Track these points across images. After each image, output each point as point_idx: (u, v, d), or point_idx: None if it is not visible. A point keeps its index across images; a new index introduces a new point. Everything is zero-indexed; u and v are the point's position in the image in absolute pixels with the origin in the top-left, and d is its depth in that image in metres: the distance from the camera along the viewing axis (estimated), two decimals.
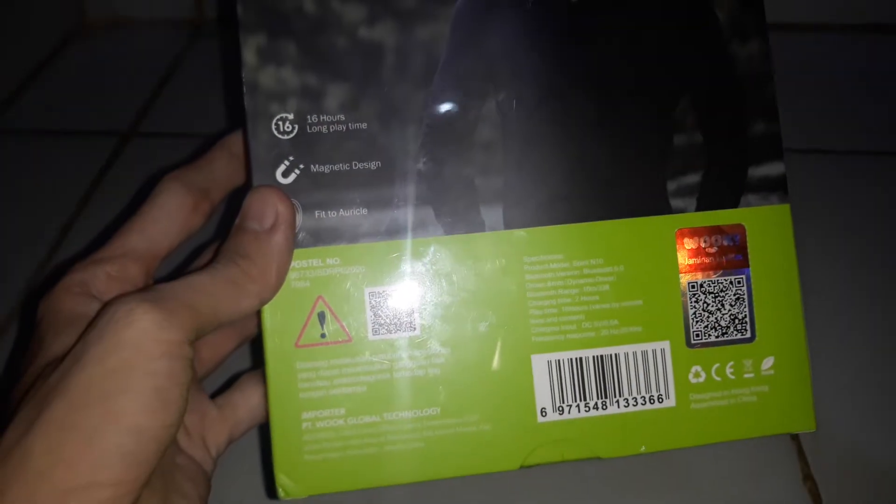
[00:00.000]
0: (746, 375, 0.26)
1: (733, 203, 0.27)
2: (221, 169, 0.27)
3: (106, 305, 0.21)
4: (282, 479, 0.25)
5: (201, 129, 0.54)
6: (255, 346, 0.27)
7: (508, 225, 0.26)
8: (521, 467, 0.26)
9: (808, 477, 0.34)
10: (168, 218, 0.25)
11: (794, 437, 0.35)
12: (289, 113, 0.25)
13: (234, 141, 0.28)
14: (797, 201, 0.29)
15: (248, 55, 0.26)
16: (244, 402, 0.27)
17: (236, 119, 0.55)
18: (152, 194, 0.26)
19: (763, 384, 0.27)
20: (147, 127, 0.54)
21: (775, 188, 0.27)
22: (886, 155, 0.51)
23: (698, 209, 0.26)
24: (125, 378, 0.20)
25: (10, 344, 0.39)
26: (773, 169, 0.27)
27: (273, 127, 0.25)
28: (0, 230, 0.46)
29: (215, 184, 0.27)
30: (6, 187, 0.49)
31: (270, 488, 0.32)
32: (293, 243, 0.24)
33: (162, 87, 0.58)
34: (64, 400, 0.20)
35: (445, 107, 0.26)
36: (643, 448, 0.26)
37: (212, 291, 0.22)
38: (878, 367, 0.38)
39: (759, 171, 0.27)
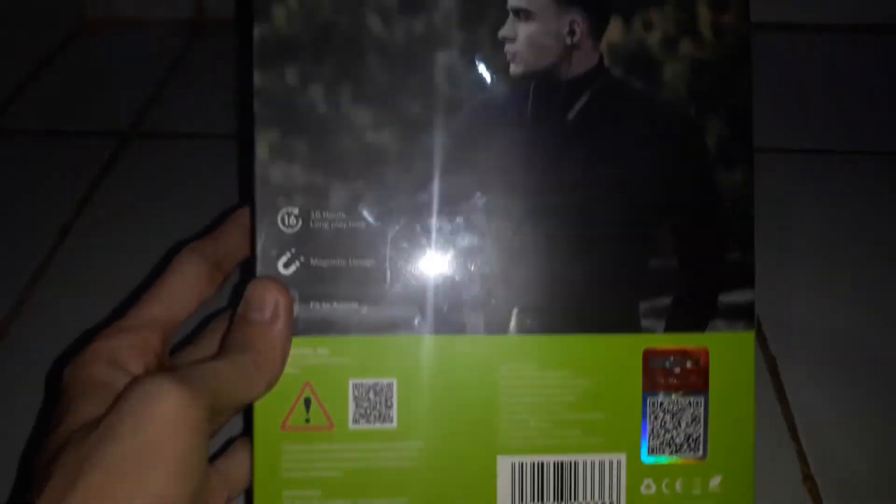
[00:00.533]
0: (694, 492, 0.28)
1: (700, 327, 0.28)
2: (233, 242, 0.29)
3: (137, 381, 0.23)
4: None
5: (201, 129, 0.54)
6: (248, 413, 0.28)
7: (489, 330, 0.27)
8: None
9: (808, 477, 0.34)
10: (186, 288, 0.27)
11: (795, 437, 0.35)
12: (294, 207, 0.27)
13: (243, 215, 0.30)
14: (796, 201, 0.29)
15: (261, 149, 0.27)
16: (239, 466, 0.28)
17: (243, 122, 0.55)
18: (171, 265, 0.28)
19: (709, 500, 0.28)
20: (147, 127, 0.54)
21: (742, 315, 0.28)
22: (886, 155, 0.51)
23: (666, 330, 0.27)
24: (156, 450, 0.22)
25: (10, 344, 0.39)
26: (742, 296, 0.28)
27: (279, 220, 0.27)
28: (0, 230, 0.46)
29: (227, 256, 0.29)
30: (6, 187, 0.49)
31: None
32: (292, 332, 0.26)
33: (162, 87, 0.58)
34: (100, 469, 0.21)
35: (438, 212, 0.27)
36: None
37: (228, 379, 0.24)
38: (879, 365, 0.38)
39: (729, 298, 0.28)
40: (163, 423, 0.22)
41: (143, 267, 0.43)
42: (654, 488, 0.28)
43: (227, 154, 0.52)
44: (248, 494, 0.28)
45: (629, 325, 0.27)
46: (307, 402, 0.27)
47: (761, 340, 0.39)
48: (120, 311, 0.27)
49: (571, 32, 0.27)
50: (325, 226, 0.27)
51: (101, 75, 0.60)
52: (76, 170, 0.50)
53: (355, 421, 0.27)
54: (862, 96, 0.56)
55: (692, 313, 0.28)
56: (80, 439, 0.23)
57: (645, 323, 0.27)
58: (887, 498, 0.33)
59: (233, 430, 0.34)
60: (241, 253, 0.29)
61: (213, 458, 0.29)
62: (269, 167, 0.27)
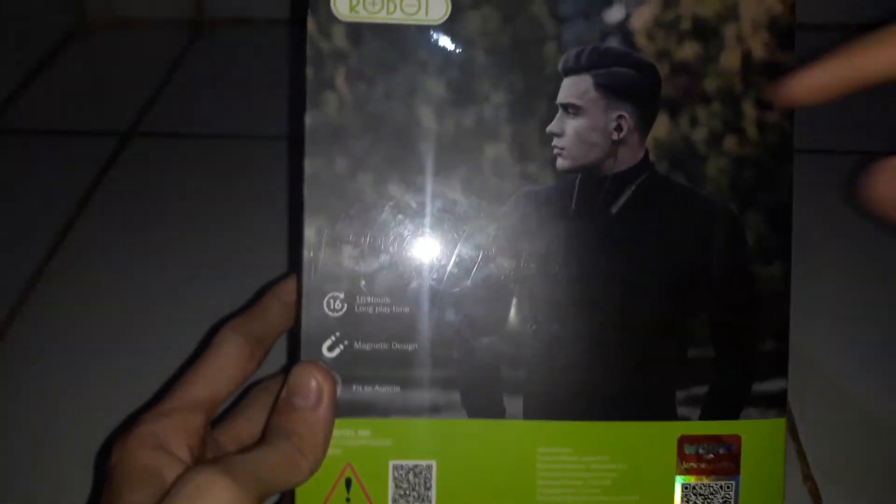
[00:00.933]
0: None
1: (734, 415, 0.28)
2: (274, 317, 0.30)
3: (188, 473, 0.24)
4: None
5: (201, 129, 0.54)
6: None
7: (527, 415, 0.28)
8: None
9: (808, 477, 0.34)
10: (228, 367, 0.28)
11: (795, 437, 0.35)
12: (340, 292, 0.27)
13: (285, 290, 0.30)
14: (796, 201, 0.29)
15: (310, 235, 0.27)
16: None
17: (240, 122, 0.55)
18: (213, 344, 0.28)
19: None
20: (147, 127, 0.54)
21: (775, 403, 0.28)
22: (886, 155, 0.51)
23: (701, 418, 0.28)
24: None
25: (10, 345, 0.39)
26: (775, 385, 0.28)
27: (325, 304, 0.27)
28: (0, 230, 0.46)
29: (269, 332, 0.29)
30: (6, 187, 0.49)
31: None
32: (335, 416, 0.27)
33: (162, 87, 0.58)
34: None
35: (480, 302, 0.28)
36: None
37: (272, 466, 0.25)
38: (879, 364, 0.38)
39: (762, 387, 0.28)
40: None
41: (143, 267, 0.43)
42: None
43: (227, 154, 0.52)
44: None
45: (666, 413, 0.28)
46: (348, 483, 0.27)
47: None
48: (163, 391, 0.27)
49: (618, 128, 0.28)
50: (370, 310, 0.27)
51: (101, 75, 0.60)
52: (76, 170, 0.50)
53: (395, 502, 0.27)
54: (862, 96, 0.55)
55: (727, 402, 0.28)
56: None
57: (681, 411, 0.28)
58: (887, 498, 0.33)
59: None
60: (281, 327, 0.30)
61: None
62: (318, 252, 0.27)
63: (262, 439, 0.26)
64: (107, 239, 0.45)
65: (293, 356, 0.28)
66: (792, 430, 0.35)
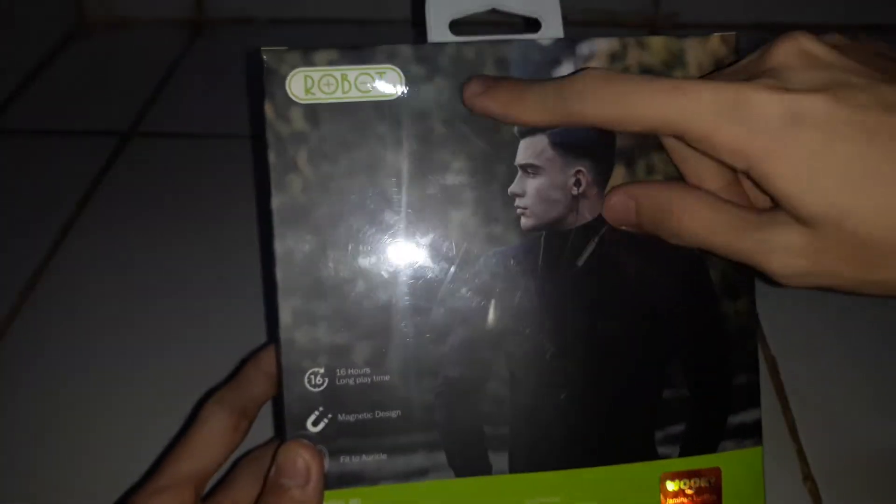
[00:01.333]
0: None
1: (712, 449, 0.29)
2: (256, 388, 0.30)
3: None
4: None
5: (201, 129, 0.54)
6: None
7: (514, 469, 0.28)
8: None
9: (808, 477, 0.34)
10: (215, 441, 0.28)
11: (795, 437, 0.35)
12: (320, 367, 0.28)
13: (266, 360, 0.31)
14: None
15: (285, 315, 0.28)
16: None
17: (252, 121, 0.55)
18: (199, 419, 0.29)
19: None
20: (147, 127, 0.54)
21: (751, 433, 0.29)
22: None
23: (681, 455, 0.29)
24: None
25: (10, 345, 0.39)
26: (750, 416, 0.29)
27: (305, 380, 0.28)
28: (0, 230, 0.46)
29: (252, 403, 0.30)
30: (6, 187, 0.49)
31: None
32: (323, 492, 0.27)
33: (162, 87, 0.58)
34: None
35: (458, 364, 0.28)
36: None
37: None
38: (881, 361, 0.38)
39: (737, 419, 0.29)
40: None
41: (142, 267, 0.43)
42: None
43: (227, 154, 0.52)
44: None
45: (647, 453, 0.29)
46: None
47: (761, 340, 0.39)
48: (153, 468, 0.28)
49: (577, 184, 0.28)
50: (351, 382, 0.28)
51: (101, 75, 0.60)
52: (76, 170, 0.50)
53: None
54: None
55: (704, 438, 0.29)
56: None
57: (661, 450, 0.29)
58: (887, 498, 0.33)
59: None
60: (264, 397, 0.31)
61: None
62: (294, 331, 0.28)
63: None
64: (107, 239, 0.45)
65: (279, 424, 0.29)
66: (792, 431, 0.35)
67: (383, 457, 0.28)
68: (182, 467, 0.28)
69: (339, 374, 0.28)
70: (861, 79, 0.23)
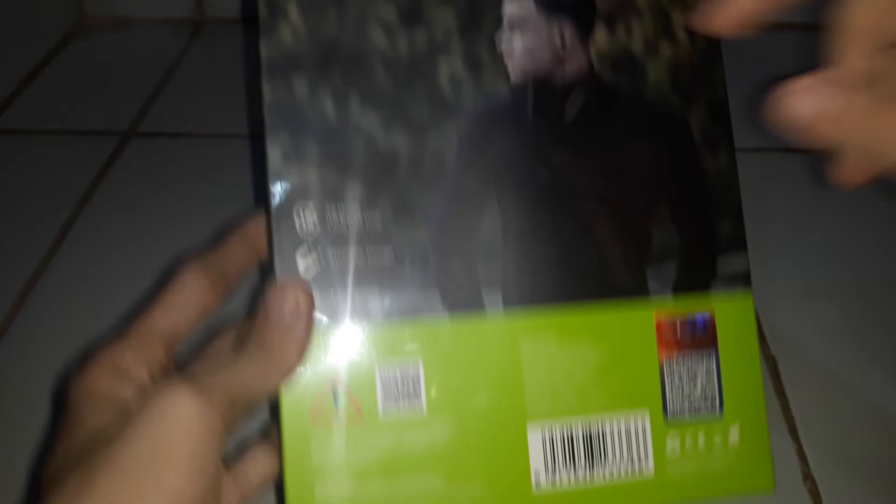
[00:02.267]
0: (716, 445, 0.29)
1: (704, 289, 0.30)
2: (238, 254, 0.29)
3: (154, 388, 0.24)
4: None
5: (201, 129, 0.54)
6: (273, 418, 0.28)
7: (507, 304, 0.29)
8: None
9: (808, 477, 0.34)
10: (189, 300, 0.27)
11: (795, 437, 0.35)
12: (310, 204, 0.28)
13: (251, 226, 0.30)
14: (798, 201, 0.29)
15: (273, 154, 0.28)
16: (256, 470, 0.29)
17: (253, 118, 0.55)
18: (174, 278, 0.28)
19: (730, 453, 0.29)
20: (147, 127, 0.54)
21: (740, 278, 0.30)
22: None
23: (673, 293, 0.30)
24: (170, 452, 0.22)
25: (10, 344, 0.39)
26: (738, 262, 0.30)
27: (295, 218, 0.28)
28: (0, 230, 0.46)
29: (232, 268, 0.29)
30: (6, 187, 0.49)
31: None
32: (313, 330, 0.26)
33: (162, 87, 0.58)
34: (113, 472, 0.22)
35: (452, 204, 0.29)
36: None
37: (243, 377, 0.25)
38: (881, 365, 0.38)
39: (726, 263, 0.30)
40: (177, 426, 0.23)
41: (142, 267, 0.43)
42: (678, 446, 0.29)
43: (227, 154, 0.52)
44: (279, 491, 0.28)
45: (639, 290, 0.29)
46: (335, 392, 0.27)
47: (761, 341, 0.39)
48: (122, 323, 0.27)
49: (561, 39, 0.30)
50: (342, 219, 0.28)
51: (101, 75, 0.60)
52: (76, 170, 0.50)
53: (384, 407, 0.27)
54: None
55: (695, 275, 0.30)
56: (90, 448, 0.23)
57: (653, 286, 0.29)
58: (887, 498, 0.33)
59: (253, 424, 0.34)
60: (246, 264, 0.30)
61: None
62: (282, 170, 0.28)
63: (236, 350, 0.26)
64: (107, 239, 0.45)
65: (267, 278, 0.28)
66: (792, 430, 0.35)
67: (376, 293, 0.28)
68: (152, 323, 0.27)
69: (329, 211, 0.28)
70: None
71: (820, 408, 0.36)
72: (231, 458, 0.28)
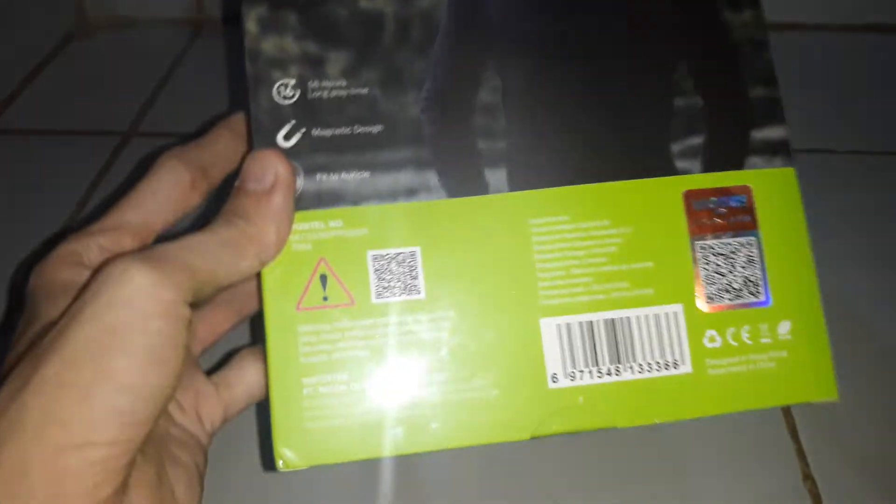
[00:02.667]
0: (763, 340, 0.26)
1: (738, 164, 0.27)
2: (222, 148, 0.27)
3: (102, 265, 0.21)
4: (281, 448, 0.24)
5: (201, 129, 0.54)
6: (254, 322, 0.27)
7: (513, 187, 0.26)
8: (532, 437, 0.25)
9: (808, 477, 0.34)
10: (164, 193, 0.25)
11: (794, 437, 0.35)
12: (290, 78, 0.26)
13: (237, 121, 0.28)
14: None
15: (250, 24, 0.26)
16: (240, 379, 0.27)
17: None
18: (150, 170, 0.26)
19: (781, 349, 0.26)
20: (147, 127, 0.54)
21: (778, 151, 0.27)
22: (887, 155, 0.51)
23: (704, 170, 0.26)
24: (120, 336, 0.20)
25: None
26: (774, 132, 0.27)
27: (275, 92, 0.25)
28: (0, 230, 0.46)
29: (215, 162, 0.27)
30: (6, 187, 0.49)
31: (268, 461, 0.32)
32: (293, 205, 0.24)
33: (162, 87, 0.58)
34: (58, 358, 0.19)
35: (445, 72, 0.26)
36: (657, 419, 0.25)
37: (209, 252, 0.22)
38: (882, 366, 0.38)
39: (761, 134, 0.27)
40: (128, 306, 0.20)
41: None
42: (719, 340, 0.26)
43: None
44: (260, 403, 0.26)
45: (664, 167, 0.26)
46: (323, 279, 0.25)
47: None
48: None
49: None
50: (325, 94, 0.26)
51: (101, 75, 0.60)
52: (76, 170, 0.50)
53: (378, 294, 0.25)
54: (862, 96, 0.55)
55: (726, 150, 0.27)
56: (41, 336, 0.21)
57: (680, 164, 0.26)
58: (887, 498, 0.33)
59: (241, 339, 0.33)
60: (231, 160, 0.27)
61: (210, 374, 0.28)
62: (260, 41, 0.26)
63: (203, 228, 0.23)
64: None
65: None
66: (792, 431, 0.35)
67: (366, 174, 0.26)
68: (124, 214, 0.25)
69: (311, 86, 0.26)
70: None
71: (820, 408, 0.36)
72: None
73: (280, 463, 0.24)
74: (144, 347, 0.20)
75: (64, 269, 0.23)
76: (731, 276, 0.26)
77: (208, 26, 0.66)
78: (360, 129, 0.26)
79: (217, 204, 0.25)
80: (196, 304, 0.22)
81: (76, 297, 0.21)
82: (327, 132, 0.26)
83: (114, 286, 0.20)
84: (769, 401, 0.25)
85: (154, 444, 0.22)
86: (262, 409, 0.26)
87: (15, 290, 0.31)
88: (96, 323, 0.20)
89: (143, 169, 0.26)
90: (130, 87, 0.58)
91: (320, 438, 0.24)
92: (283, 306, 0.25)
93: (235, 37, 0.65)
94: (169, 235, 0.24)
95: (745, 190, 0.26)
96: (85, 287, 0.21)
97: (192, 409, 0.26)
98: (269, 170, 0.24)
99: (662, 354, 0.25)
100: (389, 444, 0.25)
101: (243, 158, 0.25)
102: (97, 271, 0.21)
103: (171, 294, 0.20)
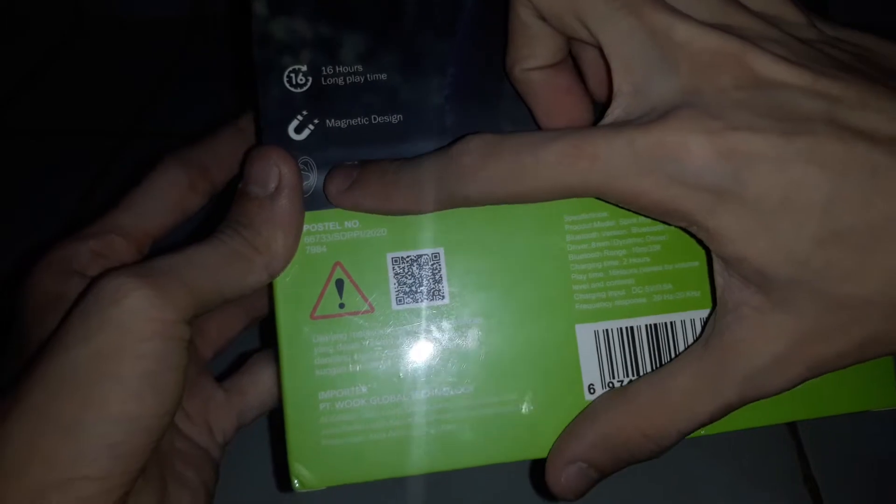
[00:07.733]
0: None
1: None
2: (226, 146, 0.25)
3: (93, 281, 0.19)
4: (297, 468, 0.22)
5: (201, 129, 0.54)
6: (266, 324, 0.25)
7: None
8: None
9: (808, 477, 0.34)
10: (160, 195, 0.24)
11: (795, 437, 0.35)
12: (302, 65, 0.23)
13: (244, 120, 0.26)
14: None
15: (259, 6, 0.23)
16: (253, 385, 0.25)
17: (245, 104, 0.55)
18: (149, 174, 0.24)
19: None
20: (147, 127, 0.54)
21: None
22: None
23: None
24: (111, 361, 0.18)
25: None
26: None
27: (285, 80, 0.23)
28: (0, 230, 0.46)
29: (217, 162, 0.25)
30: (6, 187, 0.49)
31: (283, 480, 0.31)
32: (301, 208, 0.22)
33: (162, 87, 0.58)
34: (42, 387, 0.18)
35: (472, 56, 0.24)
36: (703, 431, 0.22)
37: (213, 265, 0.20)
38: None
39: None
40: (120, 328, 0.18)
41: None
42: None
43: None
44: (274, 414, 0.24)
45: None
46: (339, 285, 0.23)
47: None
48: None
49: None
50: (340, 81, 0.24)
51: (101, 75, 0.60)
52: (76, 169, 0.50)
53: (399, 300, 0.23)
54: None
55: None
56: (27, 361, 0.19)
57: None
58: (887, 498, 0.33)
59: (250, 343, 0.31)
60: (232, 158, 0.25)
61: (222, 379, 0.27)
62: (269, 23, 0.23)
63: (206, 238, 0.21)
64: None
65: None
66: (792, 431, 0.35)
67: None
68: (118, 217, 0.23)
69: (324, 72, 0.23)
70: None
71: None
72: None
73: (296, 483, 0.22)
74: (138, 373, 0.18)
75: (52, 278, 0.22)
76: None
77: (208, 25, 0.66)
78: (378, 120, 0.24)
79: (226, 206, 0.24)
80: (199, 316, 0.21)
81: (67, 315, 0.19)
82: (343, 123, 0.24)
83: (105, 305, 0.18)
84: (826, 409, 0.24)
85: (157, 463, 0.21)
86: (276, 425, 0.25)
87: (14, 290, 0.31)
88: (85, 347, 0.18)
89: (143, 169, 0.26)
90: (130, 87, 0.58)
91: (338, 457, 0.22)
92: (296, 315, 0.23)
93: (237, 32, 0.65)
94: (172, 243, 0.23)
95: None
96: (75, 304, 0.19)
97: (202, 419, 0.24)
98: (272, 170, 0.22)
99: None
100: (413, 462, 0.23)
101: (245, 157, 0.23)
102: (89, 287, 0.19)
103: (168, 313, 0.19)
